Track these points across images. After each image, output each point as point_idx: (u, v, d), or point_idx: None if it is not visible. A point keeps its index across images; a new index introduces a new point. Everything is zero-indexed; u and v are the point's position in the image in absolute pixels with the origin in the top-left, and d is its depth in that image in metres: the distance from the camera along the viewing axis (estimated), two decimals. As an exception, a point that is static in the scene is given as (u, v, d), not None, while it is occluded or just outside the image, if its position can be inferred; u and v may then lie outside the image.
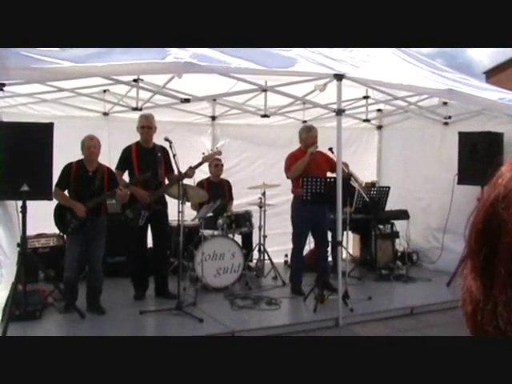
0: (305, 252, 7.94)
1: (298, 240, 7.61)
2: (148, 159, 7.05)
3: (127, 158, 7.09)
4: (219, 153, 7.50)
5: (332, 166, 7.36)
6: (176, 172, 6.87)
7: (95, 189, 6.48)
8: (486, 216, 0.67)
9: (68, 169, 6.50)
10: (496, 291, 0.65)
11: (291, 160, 7.56)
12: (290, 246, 7.78)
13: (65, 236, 7.17)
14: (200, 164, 7.12)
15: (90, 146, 6.52)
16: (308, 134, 7.62)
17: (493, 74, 29.15)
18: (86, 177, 6.50)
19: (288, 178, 7.63)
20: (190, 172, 6.91)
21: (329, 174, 7.47)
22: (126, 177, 7.17)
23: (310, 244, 7.93)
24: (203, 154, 7.19)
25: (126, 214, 6.98)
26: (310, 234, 7.65)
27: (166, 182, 7.19)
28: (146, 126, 7.13)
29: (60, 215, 6.46)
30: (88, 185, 6.47)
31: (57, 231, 7.06)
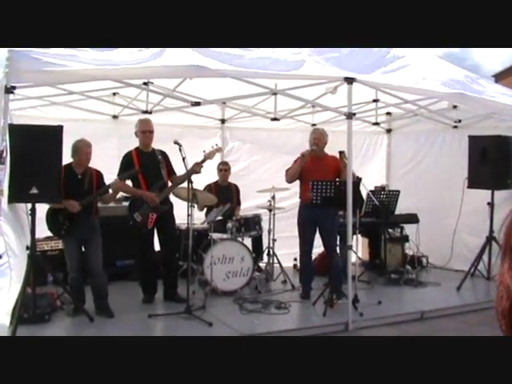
0: (314, 255, 7.89)
1: (302, 243, 7.54)
2: (150, 163, 7.06)
3: (129, 163, 7.02)
4: (220, 149, 7.44)
5: (339, 172, 7.33)
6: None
7: (85, 191, 6.50)
8: None
9: None
10: None
11: (292, 164, 7.52)
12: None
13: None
14: (204, 161, 7.03)
15: (88, 152, 6.56)
16: (310, 136, 7.55)
17: (502, 78, 29.05)
18: (75, 180, 6.50)
19: (286, 181, 7.62)
20: (197, 167, 6.81)
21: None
22: (129, 184, 7.18)
23: (319, 247, 7.88)
24: (204, 151, 7.12)
25: (135, 217, 6.94)
26: (316, 237, 7.54)
27: (170, 184, 7.15)
28: (148, 130, 7.12)
29: (52, 218, 6.48)
30: (78, 187, 6.48)
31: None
